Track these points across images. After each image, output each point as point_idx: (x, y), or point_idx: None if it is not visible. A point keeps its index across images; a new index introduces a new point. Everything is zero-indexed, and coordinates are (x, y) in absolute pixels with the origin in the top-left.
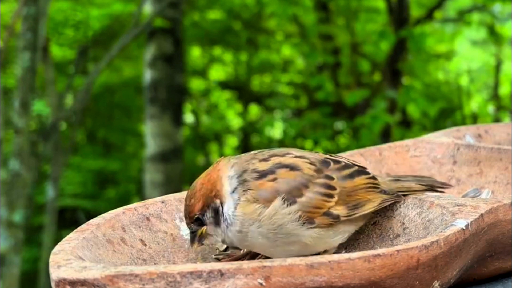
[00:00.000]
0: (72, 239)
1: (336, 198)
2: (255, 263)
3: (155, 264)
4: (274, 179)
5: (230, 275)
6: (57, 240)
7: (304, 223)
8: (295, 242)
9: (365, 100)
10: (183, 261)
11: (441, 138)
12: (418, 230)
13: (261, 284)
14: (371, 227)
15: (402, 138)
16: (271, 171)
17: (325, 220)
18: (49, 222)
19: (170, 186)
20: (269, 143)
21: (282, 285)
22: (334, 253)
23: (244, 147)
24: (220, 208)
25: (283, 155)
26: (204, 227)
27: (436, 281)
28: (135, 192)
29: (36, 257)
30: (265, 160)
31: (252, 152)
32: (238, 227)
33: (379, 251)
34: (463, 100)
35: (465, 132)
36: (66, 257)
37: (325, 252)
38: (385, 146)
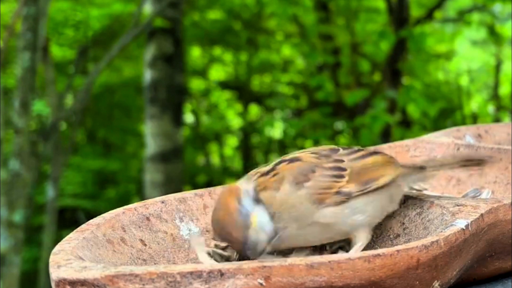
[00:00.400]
0: (72, 239)
1: (347, 178)
2: (255, 263)
3: (155, 264)
4: (275, 174)
5: (230, 275)
6: (57, 240)
7: (314, 203)
8: (313, 224)
9: (365, 100)
10: (183, 261)
11: (441, 138)
12: (418, 230)
13: (261, 284)
14: None
15: (402, 138)
16: (271, 169)
17: (337, 199)
18: (49, 222)
19: (170, 186)
20: (269, 143)
21: (282, 285)
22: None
23: (244, 147)
24: None
25: (285, 155)
26: None
27: (436, 281)
28: (135, 192)
29: (36, 257)
30: (267, 165)
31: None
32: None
33: (379, 251)
34: (463, 100)
35: (465, 132)
36: (66, 257)
37: (357, 235)
38: (385, 146)
